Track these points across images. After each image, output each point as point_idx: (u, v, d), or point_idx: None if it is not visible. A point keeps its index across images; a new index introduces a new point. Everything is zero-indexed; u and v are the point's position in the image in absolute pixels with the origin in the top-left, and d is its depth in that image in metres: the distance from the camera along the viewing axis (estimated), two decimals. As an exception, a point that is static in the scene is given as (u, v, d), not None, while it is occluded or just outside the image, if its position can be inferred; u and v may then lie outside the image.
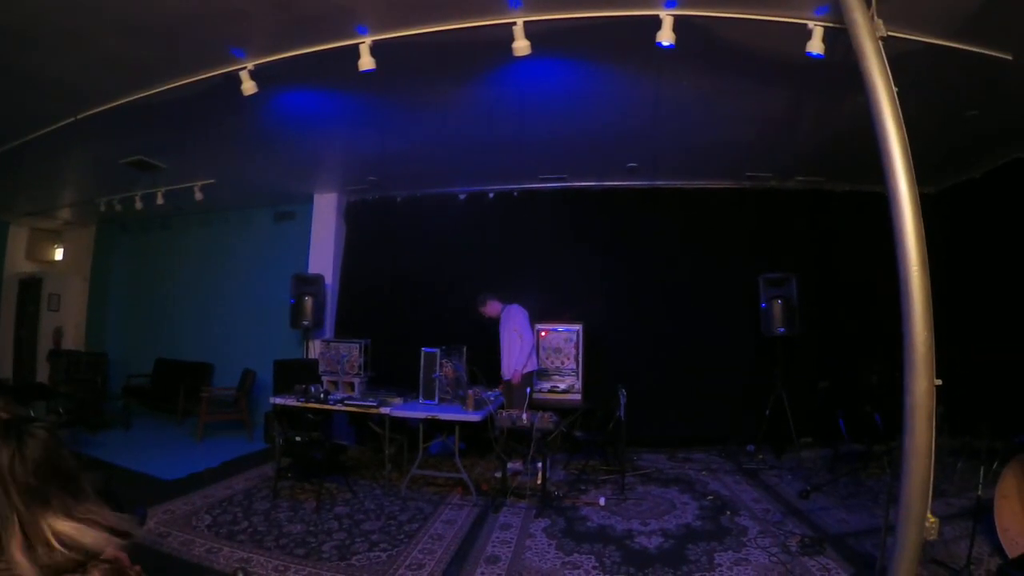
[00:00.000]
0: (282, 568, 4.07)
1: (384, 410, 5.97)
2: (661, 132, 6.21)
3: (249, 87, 4.71)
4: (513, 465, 6.18)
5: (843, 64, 3.54)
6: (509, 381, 6.72)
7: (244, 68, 4.69)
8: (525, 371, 6.70)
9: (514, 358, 6.68)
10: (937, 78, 4.57)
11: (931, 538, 3.19)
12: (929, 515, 3.17)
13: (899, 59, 3.24)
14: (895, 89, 3.19)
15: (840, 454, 6.36)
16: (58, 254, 12.01)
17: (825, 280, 7.69)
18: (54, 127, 6.06)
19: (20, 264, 11.36)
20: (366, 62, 4.31)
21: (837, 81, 4.37)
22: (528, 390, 6.29)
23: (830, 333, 7.61)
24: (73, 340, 11.28)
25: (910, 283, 3.12)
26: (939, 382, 3.13)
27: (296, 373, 6.64)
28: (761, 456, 6.94)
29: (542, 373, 7.38)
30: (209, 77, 4.98)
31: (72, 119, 5.84)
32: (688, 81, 5.02)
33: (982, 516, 3.75)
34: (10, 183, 8.43)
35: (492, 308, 6.82)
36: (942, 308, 3.17)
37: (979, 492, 3.72)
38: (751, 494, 5.75)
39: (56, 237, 11.92)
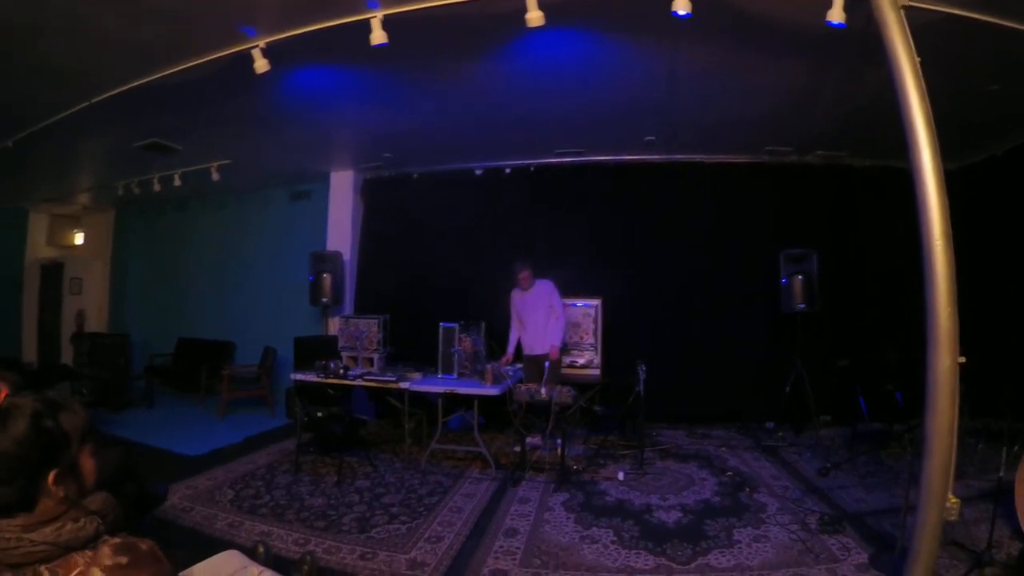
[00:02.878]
0: (302, 541, 4.14)
1: (403, 385, 6.00)
2: (678, 105, 6.12)
3: (262, 65, 4.68)
4: (532, 440, 6.21)
5: (864, 34, 3.45)
6: (536, 355, 6.62)
7: (256, 46, 4.65)
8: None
9: (552, 333, 6.61)
10: (958, 51, 4.44)
11: (952, 519, 3.15)
12: (950, 496, 3.13)
13: (920, 30, 3.15)
14: (918, 59, 3.11)
15: (859, 433, 6.30)
16: (78, 239, 12.18)
17: (846, 256, 7.60)
18: (68, 112, 6.07)
19: (41, 250, 11.56)
20: (378, 36, 4.25)
21: (859, 52, 4.27)
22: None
23: (851, 310, 7.53)
24: (96, 323, 11.49)
25: (933, 257, 3.05)
26: (962, 359, 3.08)
27: (316, 350, 6.70)
28: (780, 434, 6.91)
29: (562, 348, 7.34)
30: (221, 57, 4.94)
31: (86, 104, 5.86)
32: (705, 52, 4.93)
33: (1003, 498, 3.70)
34: (28, 170, 8.50)
35: (526, 279, 6.68)
36: (963, 286, 3.10)
37: (1000, 474, 3.68)
38: (770, 471, 5.74)
39: (76, 222, 12.09)
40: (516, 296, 6.82)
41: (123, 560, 1.27)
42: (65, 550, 1.26)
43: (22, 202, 10.93)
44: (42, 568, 1.23)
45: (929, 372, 3.09)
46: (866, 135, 6.62)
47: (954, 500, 3.13)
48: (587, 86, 5.66)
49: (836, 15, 3.73)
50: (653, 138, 7.19)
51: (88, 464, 1.41)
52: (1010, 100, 5.55)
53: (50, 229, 11.74)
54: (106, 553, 1.28)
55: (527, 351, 6.74)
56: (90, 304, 11.54)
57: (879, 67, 3.25)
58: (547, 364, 6.24)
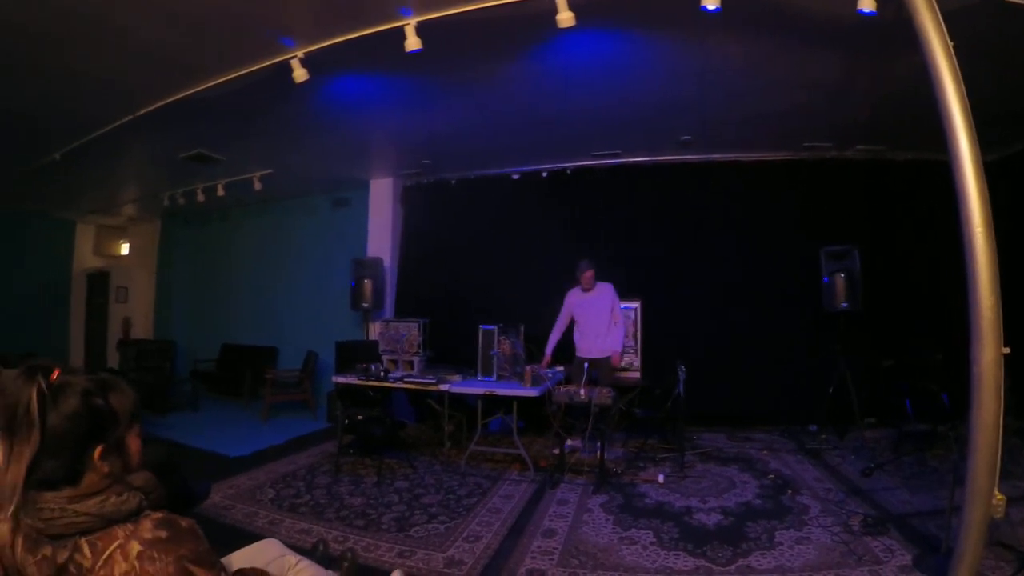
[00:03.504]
0: (342, 539, 4.18)
1: (443, 387, 6.05)
2: (713, 101, 6.07)
3: (300, 75, 4.80)
4: (572, 442, 6.19)
5: (897, 21, 3.39)
6: (594, 359, 6.52)
7: (294, 56, 4.78)
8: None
9: (615, 339, 6.57)
10: (994, 35, 4.32)
11: (998, 516, 3.06)
12: (996, 492, 3.05)
13: (954, 15, 3.09)
14: (951, 43, 3.05)
15: (904, 434, 6.17)
16: (124, 249, 12.53)
17: (889, 253, 7.43)
18: (115, 125, 6.30)
19: (88, 260, 11.95)
20: (412, 43, 4.33)
21: (892, 40, 4.19)
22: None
23: (895, 308, 7.36)
24: (142, 330, 11.84)
25: (974, 245, 2.98)
26: (1007, 350, 3.01)
27: (357, 353, 6.78)
28: (824, 436, 6.79)
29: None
30: (261, 68, 5.09)
31: (131, 116, 6.06)
32: (736, 46, 4.89)
33: None
34: (76, 182, 8.80)
35: (589, 279, 6.58)
36: (1008, 277, 3.02)
37: None
38: (813, 473, 5.64)
39: (121, 233, 12.45)
40: (574, 296, 6.74)
41: (163, 534, 1.31)
42: (107, 522, 1.29)
43: (70, 213, 11.29)
44: (82, 540, 1.27)
45: (973, 365, 3.02)
46: (905, 127, 6.48)
47: (1000, 497, 3.05)
48: (620, 84, 5.66)
49: (867, 3, 3.68)
50: (689, 137, 7.15)
51: (135, 444, 1.46)
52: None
53: (96, 239, 12.12)
54: (147, 527, 1.32)
55: (583, 354, 6.62)
56: (136, 312, 11.88)
57: (913, 55, 3.19)
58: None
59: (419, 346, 6.79)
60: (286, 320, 10.14)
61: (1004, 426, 3.02)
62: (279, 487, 5.37)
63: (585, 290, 6.63)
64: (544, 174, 8.31)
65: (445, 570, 3.72)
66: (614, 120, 6.62)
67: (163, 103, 5.78)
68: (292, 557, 2.43)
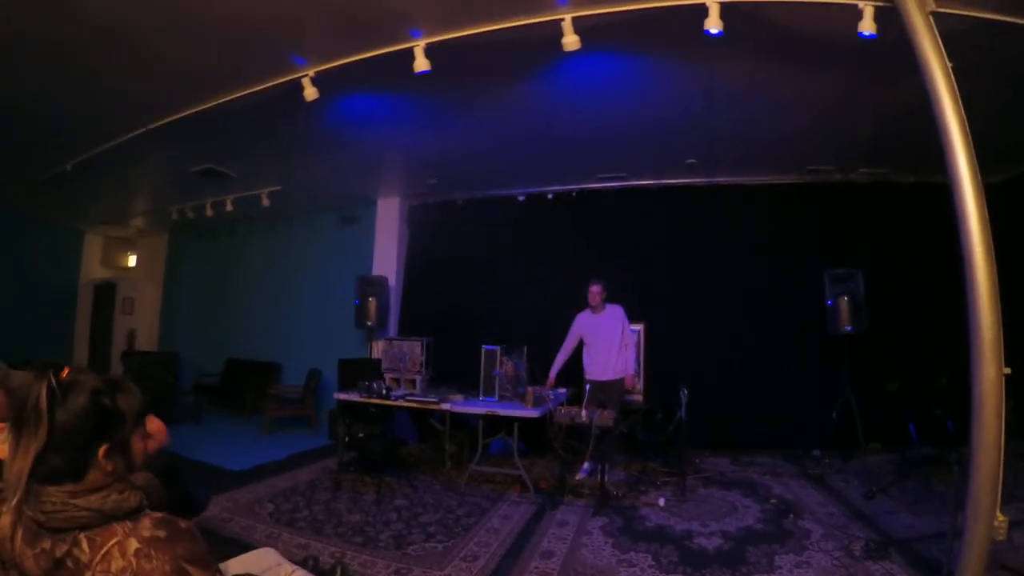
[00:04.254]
0: (339, 554, 4.18)
1: (445, 406, 6.05)
2: (717, 124, 6.11)
3: (311, 93, 4.86)
4: (582, 471, 6.20)
5: (898, 44, 3.42)
6: (603, 381, 6.44)
7: (305, 75, 4.84)
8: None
9: (627, 361, 6.52)
10: (994, 57, 4.33)
11: (1000, 538, 3.06)
12: (999, 514, 3.04)
13: (953, 37, 3.12)
14: (950, 64, 3.09)
15: (908, 459, 6.12)
16: (131, 261, 12.62)
17: (893, 277, 7.40)
18: (126, 137, 6.36)
19: (95, 271, 12.05)
20: (421, 64, 4.39)
21: (894, 63, 4.22)
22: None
23: (899, 332, 7.31)
24: (146, 342, 11.88)
25: (974, 264, 3.01)
26: (1008, 370, 3.01)
27: (360, 371, 6.77)
28: (828, 461, 6.73)
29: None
30: (273, 86, 5.15)
31: (143, 129, 6.13)
32: (740, 69, 4.93)
33: None
34: (85, 193, 8.89)
35: (596, 295, 6.52)
36: (1012, 299, 3.03)
37: None
38: (816, 497, 5.60)
39: (129, 245, 12.56)
40: (584, 318, 6.68)
41: (161, 534, 1.32)
42: (107, 519, 1.31)
43: (79, 223, 11.41)
44: (81, 535, 1.29)
45: (973, 384, 3.03)
46: (908, 150, 6.45)
47: (1002, 518, 3.05)
48: (625, 106, 5.71)
49: (867, 26, 3.71)
50: (694, 161, 7.18)
51: (139, 445, 1.49)
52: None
53: (104, 250, 12.24)
54: (146, 525, 1.33)
55: (593, 376, 6.51)
56: (141, 324, 11.93)
57: (915, 77, 3.22)
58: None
59: (422, 365, 6.80)
60: (290, 337, 10.18)
61: (1009, 450, 3.02)
62: (278, 501, 5.37)
63: (593, 308, 6.58)
64: (550, 196, 8.35)
65: (442, 589, 3.71)
66: (620, 142, 6.66)
67: (176, 117, 5.85)
68: (288, 566, 2.44)
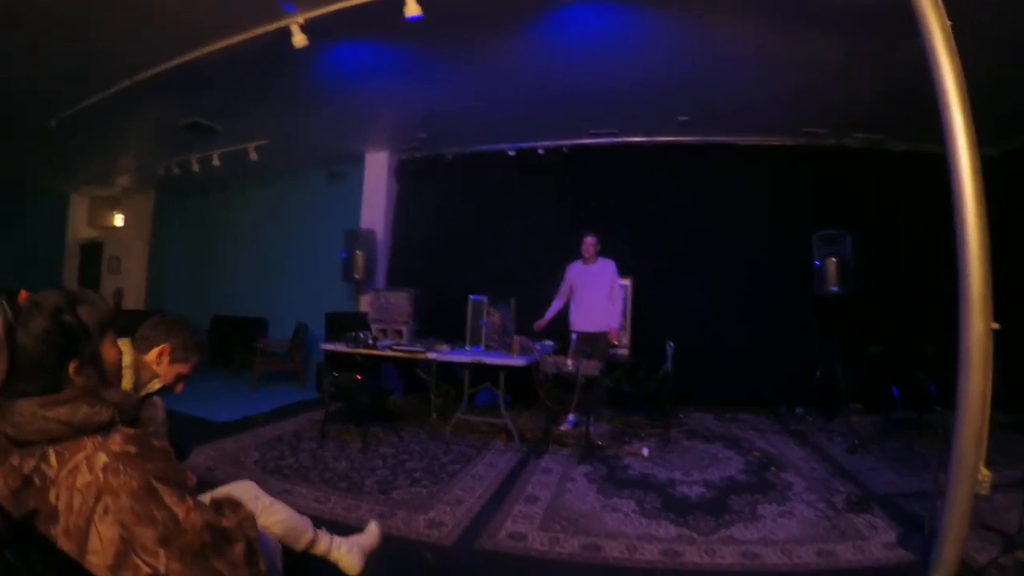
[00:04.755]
0: (323, 499, 4.19)
1: (431, 355, 6.04)
2: (711, 81, 6.05)
3: (300, 40, 4.78)
4: (569, 421, 6.23)
5: (899, 4, 3.37)
6: (588, 332, 6.46)
7: (295, 21, 4.75)
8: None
9: (613, 315, 6.49)
10: (996, 23, 4.32)
11: (983, 492, 3.07)
12: (982, 468, 3.06)
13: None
14: (949, 23, 3.05)
15: (891, 421, 6.19)
16: (118, 220, 12.48)
17: (883, 242, 7.43)
18: (112, 91, 6.24)
19: (82, 231, 11.98)
20: (412, 8, 4.32)
21: (895, 26, 4.17)
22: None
23: (887, 296, 7.37)
24: (133, 300, 11.82)
25: (965, 216, 2.99)
26: (997, 326, 3.02)
27: (347, 324, 6.73)
28: (810, 419, 6.79)
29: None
30: (261, 34, 5.05)
31: (129, 82, 6.01)
32: (739, 25, 4.88)
33: None
34: (71, 151, 8.77)
35: (590, 247, 6.50)
36: (1005, 276, 3.05)
37: None
38: (798, 453, 5.66)
39: (116, 204, 12.40)
40: (575, 268, 6.66)
41: (132, 449, 1.29)
42: (77, 432, 1.27)
43: (65, 184, 11.29)
44: (50, 449, 1.26)
45: (962, 337, 3.03)
46: (904, 117, 6.47)
47: (986, 473, 3.06)
48: (620, 60, 5.64)
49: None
50: (687, 118, 7.12)
51: (110, 353, 1.45)
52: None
53: (90, 211, 12.13)
54: (116, 440, 1.30)
55: (579, 327, 6.55)
56: (128, 283, 11.86)
57: (915, 42, 3.18)
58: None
59: (409, 316, 6.78)
60: (277, 292, 10.13)
61: (993, 420, 3.03)
62: (264, 450, 5.37)
63: (586, 260, 6.55)
64: (540, 151, 8.26)
65: (426, 531, 3.72)
66: (613, 97, 6.58)
67: (162, 69, 5.74)
68: (266, 498, 2.43)
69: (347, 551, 2.61)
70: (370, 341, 6.16)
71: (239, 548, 1.37)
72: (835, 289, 6.76)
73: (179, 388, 2.36)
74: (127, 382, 2.19)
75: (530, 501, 4.29)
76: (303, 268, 9.87)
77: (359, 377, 5.89)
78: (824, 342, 6.85)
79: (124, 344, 2.24)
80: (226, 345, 9.72)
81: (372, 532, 2.81)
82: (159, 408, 2.37)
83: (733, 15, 4.70)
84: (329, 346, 6.30)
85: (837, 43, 5.08)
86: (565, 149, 8.20)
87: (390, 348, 6.22)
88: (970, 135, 2.99)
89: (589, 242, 6.48)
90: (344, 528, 2.97)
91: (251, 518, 1.57)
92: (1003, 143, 7.14)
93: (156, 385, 2.33)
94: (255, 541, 1.45)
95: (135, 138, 8.64)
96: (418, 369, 6.75)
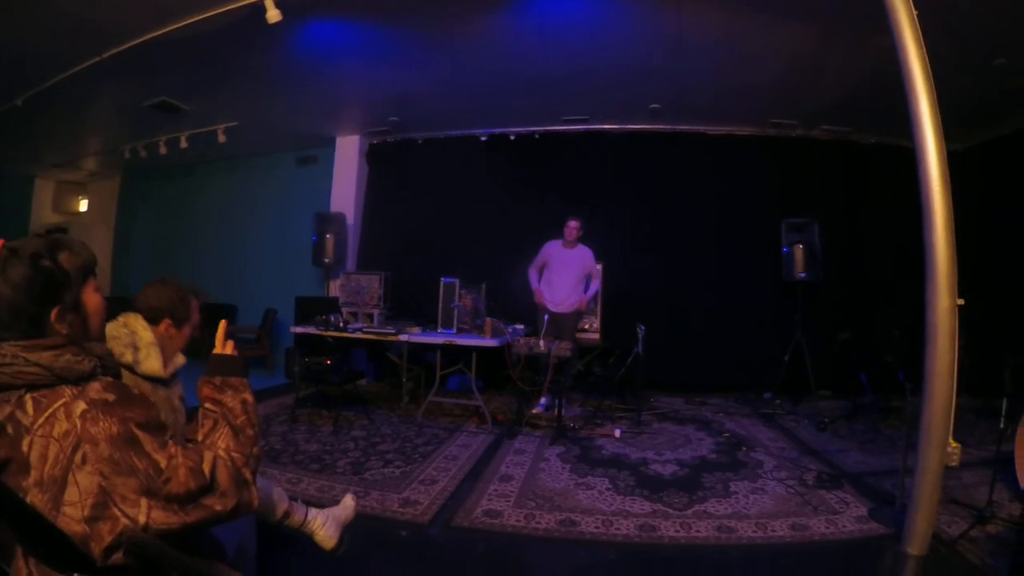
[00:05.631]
0: (295, 480, 4.17)
1: (402, 337, 6.01)
2: (683, 70, 6.06)
3: (274, 15, 4.66)
4: (543, 403, 6.25)
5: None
6: (559, 313, 6.49)
7: (269, -4, 4.66)
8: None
9: (587, 290, 6.62)
10: (962, 18, 4.39)
11: (953, 464, 3.15)
12: (951, 441, 3.12)
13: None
14: (915, 12, 3.10)
15: (858, 406, 6.30)
16: (83, 205, 12.23)
17: (850, 231, 7.60)
18: (80, 68, 6.05)
19: (47, 217, 11.66)
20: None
21: (864, 20, 4.23)
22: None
23: (854, 283, 7.53)
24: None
25: (930, 192, 3.08)
26: (961, 301, 3.08)
27: (317, 308, 6.69)
28: (778, 402, 6.87)
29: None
30: (234, 8, 4.92)
31: (97, 58, 5.84)
32: (711, 14, 4.90)
33: (1003, 467, 3.67)
34: (37, 131, 8.50)
35: (573, 231, 6.51)
36: (969, 269, 3.12)
37: (999, 446, 3.68)
38: (767, 434, 5.74)
39: (81, 189, 12.14)
40: (553, 247, 6.66)
41: (111, 397, 1.26)
42: (57, 379, 1.25)
43: (30, 167, 10.98)
44: (27, 396, 1.23)
45: (928, 312, 3.10)
46: (872, 108, 6.60)
47: (955, 444, 3.13)
48: (593, 45, 5.62)
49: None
50: (658, 106, 7.14)
51: (92, 300, 1.42)
52: (1016, 75, 5.49)
53: (56, 196, 11.81)
54: (95, 388, 1.27)
55: (551, 307, 6.55)
56: (93, 268, 11.59)
57: (883, 37, 3.23)
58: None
59: (380, 299, 6.73)
60: (246, 277, 9.95)
61: (959, 404, 3.10)
62: (233, 433, 5.28)
63: (567, 243, 6.57)
64: (512, 137, 8.26)
65: (400, 510, 3.71)
66: (586, 83, 6.58)
67: (131, 44, 5.55)
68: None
69: (322, 523, 2.58)
70: (341, 324, 6.09)
71: (224, 477, 1.34)
72: (803, 275, 6.86)
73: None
74: (155, 362, 2.21)
75: (505, 480, 4.29)
76: (272, 253, 9.72)
77: (328, 363, 5.83)
78: (792, 328, 6.94)
79: (137, 321, 2.30)
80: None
81: (348, 505, 2.78)
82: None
83: (704, 3, 4.72)
84: (299, 329, 6.22)
85: (809, 35, 5.14)
86: (537, 135, 8.19)
87: (361, 331, 6.16)
88: (936, 120, 3.08)
89: (572, 226, 6.50)
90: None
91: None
92: (967, 139, 7.29)
93: (181, 359, 2.37)
94: (242, 466, 1.41)
95: (103, 118, 8.39)
96: (389, 352, 6.71)
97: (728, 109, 7.22)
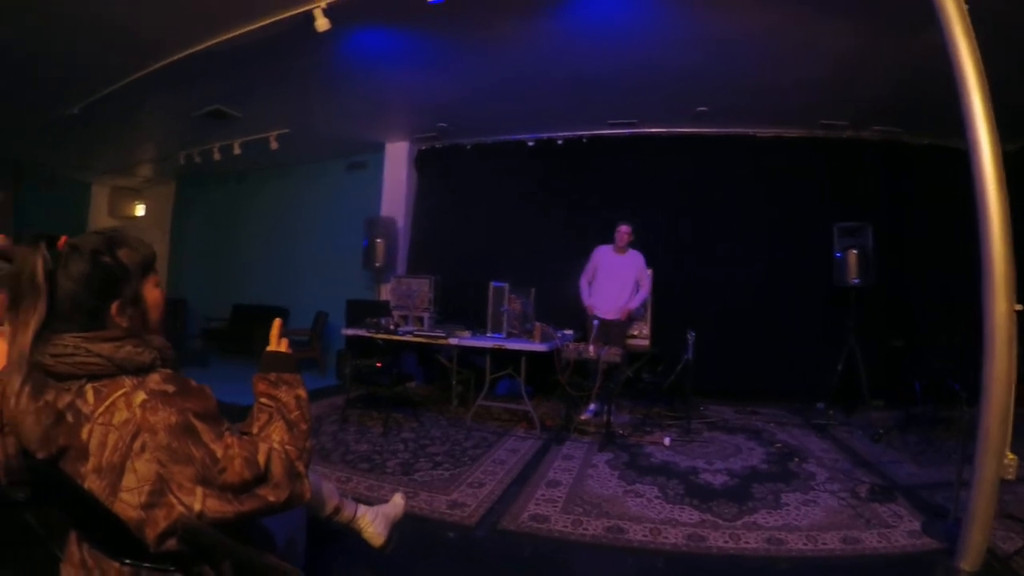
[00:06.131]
0: (345, 479, 4.25)
1: (452, 340, 6.07)
2: (731, 69, 5.98)
3: (323, 24, 4.78)
4: (589, 409, 6.22)
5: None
6: (606, 320, 6.39)
7: (317, 6, 4.76)
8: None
9: (635, 299, 6.59)
10: (1016, 9, 4.24)
11: (1009, 477, 3.04)
12: (1008, 452, 3.03)
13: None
14: (966, 6, 3.02)
15: (912, 416, 6.12)
16: (139, 210, 12.57)
17: (903, 235, 7.38)
18: (134, 77, 6.27)
19: (104, 222, 11.95)
20: (434, -10, 4.34)
21: (913, 16, 4.12)
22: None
23: (907, 290, 7.32)
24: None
25: (986, 193, 2.98)
26: (1020, 307, 2.99)
27: (368, 312, 6.79)
28: (831, 412, 6.72)
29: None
30: (284, 18, 5.06)
31: (151, 68, 6.03)
32: (758, 13, 4.83)
33: None
34: (93, 139, 8.80)
35: (624, 236, 6.50)
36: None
37: None
38: (819, 445, 5.63)
39: (137, 195, 12.46)
40: (604, 253, 6.64)
41: (170, 388, 1.30)
42: (117, 369, 1.29)
43: (86, 173, 11.34)
44: (88, 385, 1.28)
45: (985, 318, 3.01)
46: (923, 108, 6.42)
47: (1012, 456, 3.03)
48: (638, 47, 5.60)
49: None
50: (705, 109, 7.07)
51: (152, 295, 1.46)
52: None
53: (111, 201, 12.11)
54: (155, 379, 1.31)
55: (598, 313, 6.46)
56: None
57: (933, 33, 3.15)
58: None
59: (430, 302, 6.80)
60: (298, 281, 10.21)
61: (1017, 414, 3.01)
62: (285, 432, 5.40)
63: (617, 248, 6.55)
64: (559, 142, 8.28)
65: (448, 511, 3.75)
66: (631, 86, 6.54)
67: (184, 55, 5.75)
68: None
69: (371, 520, 2.60)
70: (391, 327, 6.17)
71: (278, 468, 1.38)
72: (856, 281, 6.69)
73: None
74: None
75: (552, 485, 4.29)
76: (323, 257, 9.92)
77: (379, 365, 5.91)
78: (844, 335, 6.79)
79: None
80: (247, 333, 9.79)
81: (397, 503, 2.81)
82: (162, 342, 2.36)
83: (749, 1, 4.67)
84: (350, 331, 6.32)
85: (857, 31, 5.02)
86: (584, 139, 8.19)
87: (411, 334, 6.23)
88: (989, 115, 2.99)
89: (624, 231, 6.48)
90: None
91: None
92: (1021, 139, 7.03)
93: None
94: (296, 459, 1.45)
95: (157, 126, 8.67)
96: (439, 356, 6.77)
97: (776, 110, 7.10)
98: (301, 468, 1.45)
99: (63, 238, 1.37)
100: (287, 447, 1.46)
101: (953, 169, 4.77)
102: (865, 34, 5.05)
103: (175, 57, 5.82)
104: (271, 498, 1.34)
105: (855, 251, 6.71)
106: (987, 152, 2.98)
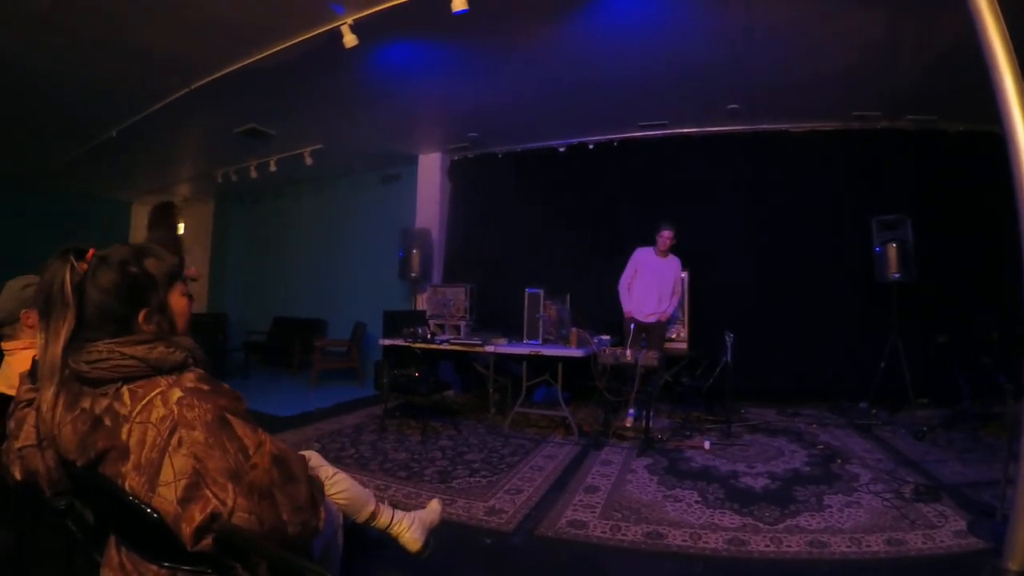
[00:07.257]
0: (383, 487, 4.27)
1: (489, 348, 6.12)
2: (760, 64, 5.91)
3: (350, 40, 4.88)
4: (628, 416, 6.22)
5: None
6: (642, 323, 6.45)
7: (344, 23, 4.85)
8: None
9: (668, 306, 6.56)
10: None
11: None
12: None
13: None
14: None
15: (958, 412, 5.97)
16: (180, 228, 12.83)
17: (942, 226, 7.13)
18: (170, 100, 6.48)
19: (144, 241, 12.24)
20: (458, 3, 4.39)
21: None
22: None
23: (949, 283, 7.07)
24: (195, 305, 12.04)
25: (1021, 175, 2.88)
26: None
27: (405, 322, 6.85)
28: (875, 412, 6.59)
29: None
30: (312, 36, 5.18)
31: (187, 89, 6.21)
32: (784, 4, 4.80)
33: None
34: (131, 161, 9.07)
35: (665, 239, 6.44)
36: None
37: None
38: (862, 445, 5.51)
39: (177, 213, 12.74)
40: (647, 255, 6.58)
41: (204, 386, 1.34)
42: (152, 370, 1.33)
43: (126, 194, 11.71)
44: (124, 388, 1.32)
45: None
46: (956, 95, 6.25)
47: (1060, 451, 2.94)
48: (666, 45, 5.59)
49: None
50: (736, 106, 7.01)
51: (179, 303, 1.51)
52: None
53: (151, 220, 12.46)
54: (189, 378, 1.35)
55: (637, 316, 6.49)
56: (191, 287, 12.07)
57: (960, 17, 3.07)
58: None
59: (466, 311, 6.86)
60: (335, 293, 10.40)
61: None
62: (324, 441, 5.52)
63: (659, 252, 6.51)
64: (591, 146, 8.27)
65: (485, 518, 3.75)
66: (661, 85, 6.52)
67: (217, 76, 5.94)
68: (330, 468, 2.47)
69: (408, 525, 2.63)
70: (428, 336, 6.22)
71: (303, 490, 1.41)
72: (896, 276, 6.56)
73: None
74: None
75: (590, 491, 4.28)
76: (359, 269, 10.10)
77: (416, 374, 5.95)
78: (885, 332, 6.65)
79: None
80: (285, 345, 9.98)
81: (434, 509, 2.83)
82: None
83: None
84: (388, 341, 6.40)
85: (885, 19, 4.95)
86: (615, 143, 8.18)
87: (448, 342, 6.28)
88: (1022, 91, 2.88)
89: (666, 235, 6.43)
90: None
91: (318, 477, 1.61)
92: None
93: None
94: (319, 491, 1.49)
95: (194, 145, 8.93)
96: (476, 364, 6.80)
97: (808, 104, 6.98)
98: (319, 498, 1.48)
99: (91, 250, 1.42)
100: (314, 480, 1.51)
101: (992, 154, 4.64)
102: (893, 20, 4.96)
103: (209, 78, 6.01)
104: (289, 510, 1.36)
105: (894, 244, 6.59)
106: (1022, 136, 2.90)
